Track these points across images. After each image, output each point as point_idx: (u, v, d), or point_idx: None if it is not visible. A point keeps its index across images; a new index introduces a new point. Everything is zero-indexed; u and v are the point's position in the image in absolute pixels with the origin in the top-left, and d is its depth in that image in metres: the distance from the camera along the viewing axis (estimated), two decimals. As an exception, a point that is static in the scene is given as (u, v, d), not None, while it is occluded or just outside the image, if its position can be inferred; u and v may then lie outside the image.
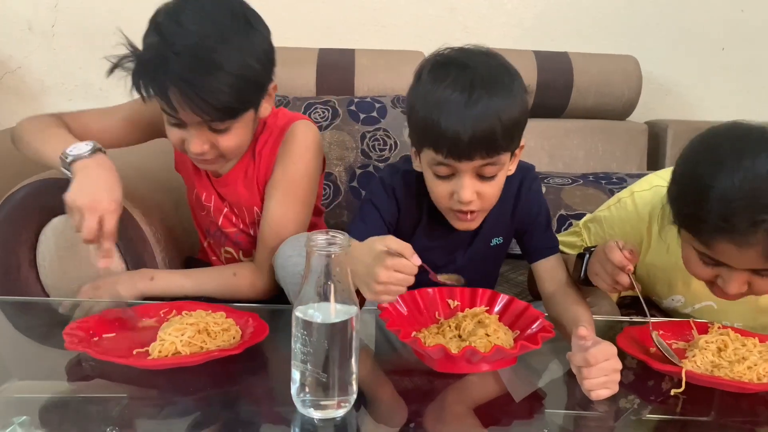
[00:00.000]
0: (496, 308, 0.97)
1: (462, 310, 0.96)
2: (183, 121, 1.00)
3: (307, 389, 0.70)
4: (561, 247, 1.12)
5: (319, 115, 1.80)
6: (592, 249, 1.00)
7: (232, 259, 1.28)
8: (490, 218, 1.05)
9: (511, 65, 0.95)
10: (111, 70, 0.97)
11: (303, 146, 1.16)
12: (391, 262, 0.77)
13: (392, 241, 0.79)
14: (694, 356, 0.87)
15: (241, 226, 1.23)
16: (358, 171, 1.77)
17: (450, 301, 0.99)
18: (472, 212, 0.97)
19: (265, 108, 1.10)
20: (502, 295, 0.98)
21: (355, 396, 0.73)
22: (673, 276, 1.08)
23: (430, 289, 0.99)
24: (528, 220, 1.08)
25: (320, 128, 1.78)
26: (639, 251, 1.08)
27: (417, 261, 0.78)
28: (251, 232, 1.23)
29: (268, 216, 1.15)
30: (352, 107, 1.81)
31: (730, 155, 0.80)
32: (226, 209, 1.22)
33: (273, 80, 1.07)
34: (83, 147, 1.01)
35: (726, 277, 0.86)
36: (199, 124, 1.00)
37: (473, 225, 1.01)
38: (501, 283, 1.53)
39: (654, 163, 2.01)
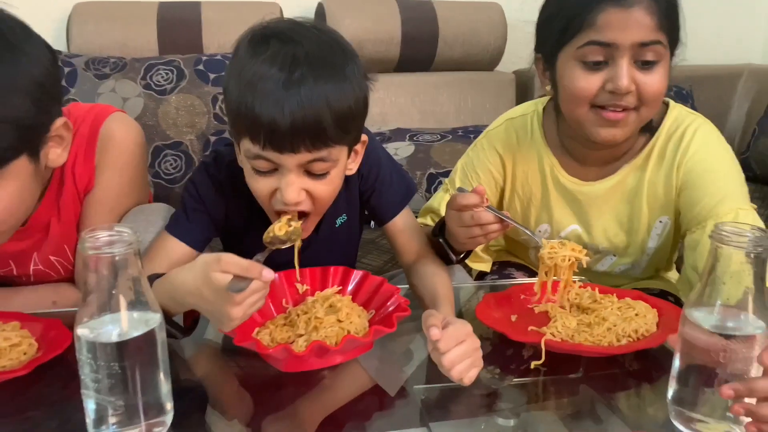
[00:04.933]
0: (350, 287, 0.88)
1: (312, 294, 0.86)
2: None
3: (109, 420, 0.58)
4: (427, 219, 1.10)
5: (162, 77, 1.60)
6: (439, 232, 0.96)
7: None
8: None
9: (349, 45, 0.81)
10: None
11: (126, 152, 0.96)
12: (240, 297, 0.64)
13: (232, 266, 0.64)
14: (555, 321, 0.83)
15: (68, 268, 0.99)
16: (212, 138, 1.61)
17: (299, 286, 0.88)
18: (304, 215, 0.82)
19: (57, 154, 0.85)
20: (355, 271, 0.89)
21: (171, 415, 0.62)
22: (539, 201, 1.08)
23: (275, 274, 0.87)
24: (369, 180, 0.96)
25: (165, 92, 1.59)
26: (502, 185, 1.10)
27: (269, 275, 0.64)
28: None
29: None
30: (200, 66, 1.63)
31: None
32: (37, 266, 0.98)
33: (57, 118, 0.82)
34: None
35: (616, 71, 0.87)
36: None
37: (305, 233, 0.85)
38: (371, 250, 1.45)
39: (523, 112, 2.00)
